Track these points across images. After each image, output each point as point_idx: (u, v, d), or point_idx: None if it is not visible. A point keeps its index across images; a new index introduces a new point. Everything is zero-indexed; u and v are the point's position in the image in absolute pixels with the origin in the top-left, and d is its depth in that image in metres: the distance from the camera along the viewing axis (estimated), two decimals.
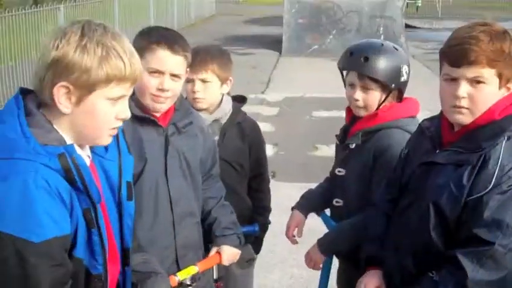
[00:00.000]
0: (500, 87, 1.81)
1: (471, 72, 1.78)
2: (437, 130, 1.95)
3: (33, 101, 1.46)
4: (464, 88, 1.79)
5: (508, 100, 1.83)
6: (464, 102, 1.80)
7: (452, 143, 1.86)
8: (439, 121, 1.96)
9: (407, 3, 18.97)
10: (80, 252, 1.47)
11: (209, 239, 2.40)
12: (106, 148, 1.59)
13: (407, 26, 16.59)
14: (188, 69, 2.25)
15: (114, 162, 1.60)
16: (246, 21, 22.15)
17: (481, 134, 1.80)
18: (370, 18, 15.03)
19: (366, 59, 2.31)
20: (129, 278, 1.71)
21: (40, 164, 1.37)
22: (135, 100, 2.11)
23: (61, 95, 1.42)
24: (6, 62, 8.76)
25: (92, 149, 1.57)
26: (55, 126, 1.45)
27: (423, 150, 1.96)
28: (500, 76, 1.79)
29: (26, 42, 9.16)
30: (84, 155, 1.52)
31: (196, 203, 2.31)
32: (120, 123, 1.51)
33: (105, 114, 1.46)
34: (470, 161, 1.77)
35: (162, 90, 2.11)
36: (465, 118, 1.83)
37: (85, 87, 1.42)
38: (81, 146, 1.52)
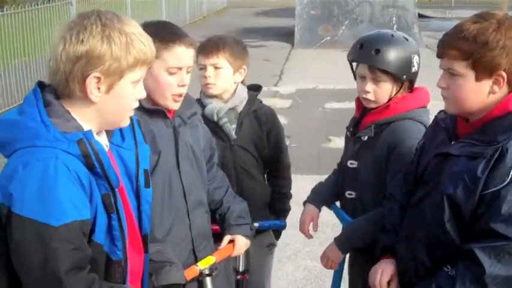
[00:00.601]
0: (479, 79, 1.77)
1: (445, 63, 1.82)
2: (452, 121, 1.93)
3: (51, 93, 1.51)
4: (443, 79, 1.84)
5: None
6: (444, 93, 1.85)
7: (467, 135, 1.84)
8: None
9: None
10: (100, 237, 1.49)
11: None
12: (123, 138, 1.64)
13: (420, 15, 16.45)
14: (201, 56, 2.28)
15: (131, 151, 1.65)
16: (257, 13, 22.10)
17: (496, 127, 1.77)
18: (383, 9, 14.91)
19: (378, 51, 2.28)
20: (147, 264, 1.73)
21: (60, 150, 1.41)
22: None
23: (92, 85, 1.47)
24: (20, 57, 8.82)
25: (109, 138, 1.61)
26: (74, 116, 1.50)
27: (438, 141, 1.94)
28: (475, 68, 1.75)
29: (39, 37, 9.22)
30: (103, 143, 1.56)
31: (204, 192, 2.34)
32: (137, 104, 1.59)
33: (130, 97, 1.55)
34: (485, 154, 1.73)
35: (183, 86, 2.14)
36: (450, 108, 1.87)
37: (116, 75, 1.49)
38: (98, 135, 1.56)
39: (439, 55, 1.84)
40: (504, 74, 1.75)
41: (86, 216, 1.43)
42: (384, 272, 2.01)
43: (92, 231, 1.47)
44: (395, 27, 14.20)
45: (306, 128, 7.66)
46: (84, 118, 1.51)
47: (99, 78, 1.47)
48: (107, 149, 1.57)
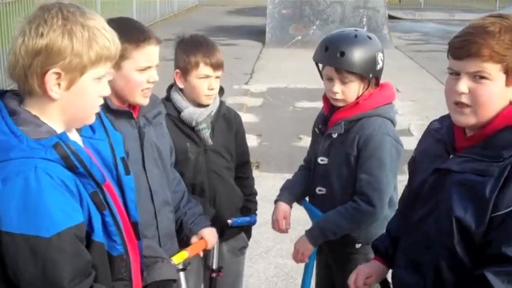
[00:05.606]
0: (508, 85, 1.63)
1: (473, 65, 1.61)
2: (448, 132, 1.79)
3: (13, 99, 1.44)
4: (465, 83, 1.63)
5: None
6: (465, 99, 1.64)
7: (467, 149, 1.70)
8: (450, 122, 1.77)
9: None
10: (99, 236, 1.46)
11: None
12: (93, 130, 1.59)
13: (390, 17, 16.64)
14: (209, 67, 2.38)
15: (104, 141, 1.60)
16: (229, 11, 22.07)
17: (499, 141, 1.63)
18: (354, 9, 15.05)
19: (342, 53, 2.33)
20: (142, 251, 1.70)
21: (38, 158, 1.36)
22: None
23: (52, 81, 1.41)
24: None
25: (79, 132, 1.57)
26: (42, 119, 1.44)
27: (434, 154, 1.80)
28: (507, 72, 1.61)
29: (6, 31, 9.01)
30: (77, 139, 1.52)
31: (169, 191, 2.33)
32: (102, 101, 1.54)
33: (92, 94, 1.49)
34: (491, 172, 1.60)
35: (153, 82, 2.12)
36: (467, 119, 1.66)
37: (77, 71, 1.43)
38: (69, 132, 1.51)
39: (461, 56, 1.63)
40: None
41: (78, 220, 1.39)
42: (359, 273, 2.02)
43: (90, 231, 1.44)
44: (365, 28, 14.35)
45: (277, 127, 7.69)
46: (51, 118, 1.45)
47: (59, 74, 1.41)
48: (81, 144, 1.52)
